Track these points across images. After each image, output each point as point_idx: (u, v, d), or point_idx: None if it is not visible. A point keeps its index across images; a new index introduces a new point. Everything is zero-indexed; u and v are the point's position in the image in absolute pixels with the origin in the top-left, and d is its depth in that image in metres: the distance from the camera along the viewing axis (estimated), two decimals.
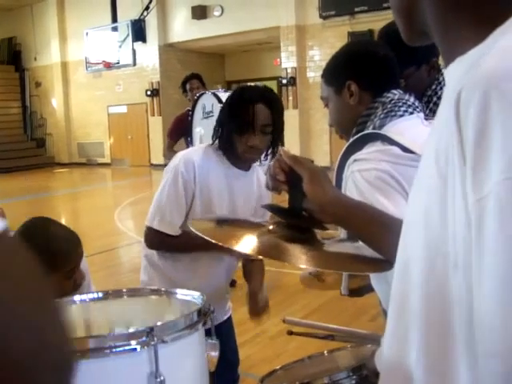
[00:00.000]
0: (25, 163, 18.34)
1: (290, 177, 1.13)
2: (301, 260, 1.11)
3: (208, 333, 1.38)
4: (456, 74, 0.63)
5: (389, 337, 0.75)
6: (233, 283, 2.53)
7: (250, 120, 2.05)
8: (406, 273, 0.69)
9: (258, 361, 3.50)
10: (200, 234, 1.15)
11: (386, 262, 1.05)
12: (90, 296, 1.56)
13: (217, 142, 2.18)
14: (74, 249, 1.87)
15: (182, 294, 1.50)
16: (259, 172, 2.33)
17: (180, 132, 5.63)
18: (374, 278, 1.44)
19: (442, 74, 1.95)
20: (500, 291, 0.54)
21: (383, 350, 0.77)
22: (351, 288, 1.60)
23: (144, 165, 17.63)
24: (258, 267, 2.34)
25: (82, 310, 1.54)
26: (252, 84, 2.30)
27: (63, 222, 9.91)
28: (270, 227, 1.15)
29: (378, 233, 1.10)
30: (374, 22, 11.81)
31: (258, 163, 2.28)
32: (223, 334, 2.35)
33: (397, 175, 1.28)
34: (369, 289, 1.49)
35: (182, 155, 2.19)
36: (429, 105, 1.92)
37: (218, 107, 4.89)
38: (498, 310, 0.54)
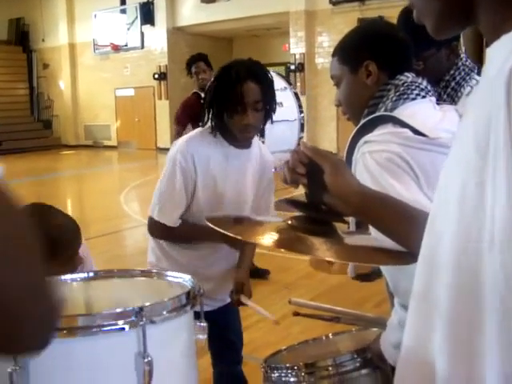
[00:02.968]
0: (31, 144, 18.38)
1: (310, 169, 1.10)
2: (326, 254, 1.09)
3: (198, 316, 1.37)
4: (503, 50, 0.61)
5: (409, 325, 0.73)
6: None
7: (240, 100, 2.01)
8: (432, 257, 0.68)
9: (262, 344, 3.51)
10: (221, 230, 1.14)
11: (408, 254, 1.03)
12: (81, 276, 1.53)
13: (209, 124, 2.14)
14: (74, 237, 1.87)
15: (172, 276, 1.48)
16: (261, 146, 2.31)
17: (189, 117, 5.21)
18: None
19: (461, 59, 1.93)
20: None
21: (404, 337, 0.75)
22: (361, 273, 1.59)
23: (150, 148, 17.64)
24: (249, 251, 2.32)
25: (71, 289, 1.52)
26: (238, 59, 2.20)
27: (69, 203, 9.96)
28: (290, 222, 1.14)
29: (403, 225, 1.07)
30: (385, 8, 11.70)
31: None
32: (227, 314, 2.36)
33: (407, 158, 1.26)
34: (378, 274, 1.48)
35: (178, 144, 2.15)
36: (446, 90, 1.91)
37: None
38: None
